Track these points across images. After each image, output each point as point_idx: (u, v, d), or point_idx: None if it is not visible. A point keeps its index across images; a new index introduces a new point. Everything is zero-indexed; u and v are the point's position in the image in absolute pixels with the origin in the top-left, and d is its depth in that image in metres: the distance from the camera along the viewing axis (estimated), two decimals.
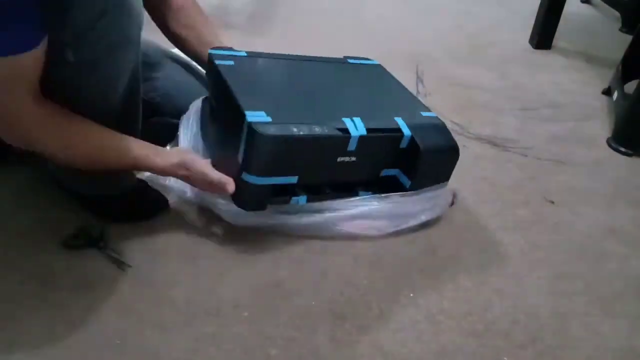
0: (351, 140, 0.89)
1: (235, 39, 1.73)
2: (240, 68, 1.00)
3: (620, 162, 1.27)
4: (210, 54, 1.02)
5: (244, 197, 0.91)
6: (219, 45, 1.06)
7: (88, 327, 0.82)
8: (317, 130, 0.87)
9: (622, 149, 1.30)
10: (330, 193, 0.97)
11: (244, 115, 0.85)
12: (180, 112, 1.10)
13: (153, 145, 0.90)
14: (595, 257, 1.01)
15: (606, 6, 2.08)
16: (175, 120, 1.11)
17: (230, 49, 1.06)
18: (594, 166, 1.25)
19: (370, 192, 0.99)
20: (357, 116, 0.91)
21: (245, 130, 0.84)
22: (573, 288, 0.94)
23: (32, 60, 0.71)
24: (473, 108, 1.44)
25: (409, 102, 1.06)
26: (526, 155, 1.26)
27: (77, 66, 0.78)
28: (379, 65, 1.17)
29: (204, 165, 0.91)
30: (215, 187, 0.90)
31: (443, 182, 1.01)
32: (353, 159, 0.92)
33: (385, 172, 0.98)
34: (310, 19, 1.88)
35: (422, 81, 1.52)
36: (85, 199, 1.01)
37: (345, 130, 0.89)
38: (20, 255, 0.93)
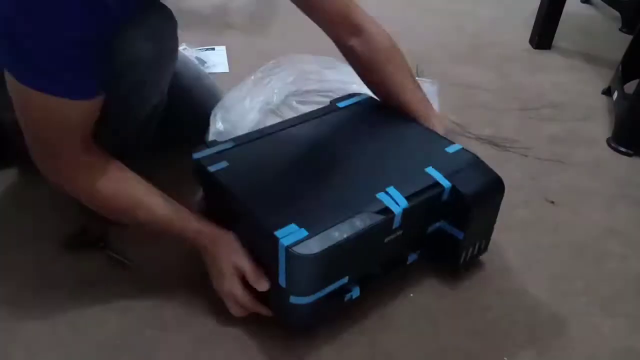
0: (395, 219, 0.78)
1: (235, 39, 1.74)
2: (238, 168, 0.85)
3: (620, 162, 1.27)
4: (196, 159, 0.86)
5: (297, 320, 0.81)
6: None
7: (88, 327, 0.82)
8: (359, 224, 0.75)
9: (622, 149, 1.30)
10: (381, 272, 0.87)
11: (274, 237, 0.72)
12: (182, 121, 1.09)
13: (186, 210, 0.83)
14: (595, 257, 1.00)
15: (606, 6, 2.07)
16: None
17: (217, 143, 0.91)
18: (594, 166, 1.25)
19: (417, 253, 0.90)
20: (389, 185, 0.80)
21: (283, 254, 0.72)
22: (573, 288, 0.94)
23: (87, 108, 0.73)
24: (473, 108, 1.44)
25: (427, 140, 0.93)
26: (526, 155, 1.26)
27: (106, 101, 0.78)
28: (370, 98, 1.05)
29: (241, 250, 0.80)
30: (252, 276, 0.78)
31: (492, 219, 0.92)
32: (399, 233, 0.81)
33: (430, 228, 0.88)
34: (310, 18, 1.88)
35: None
36: None
37: (386, 210, 0.78)
38: (20, 255, 0.93)
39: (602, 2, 2.08)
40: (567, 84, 1.59)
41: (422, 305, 0.89)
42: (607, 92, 1.52)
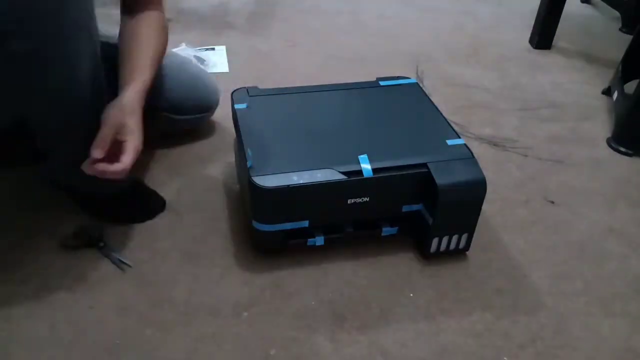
0: (358, 184, 0.87)
1: (235, 39, 1.74)
2: (255, 110, 1.00)
3: (620, 162, 1.27)
4: (232, 95, 1.04)
5: (258, 242, 0.96)
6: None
7: (88, 327, 0.83)
8: (319, 176, 0.85)
9: (622, 149, 1.30)
10: (350, 232, 0.95)
11: (247, 167, 0.86)
12: (174, 107, 1.14)
13: None
14: (595, 257, 1.01)
15: (606, 6, 2.07)
16: (170, 115, 1.14)
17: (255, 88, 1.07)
18: (594, 166, 1.25)
19: (396, 228, 0.97)
20: (369, 154, 0.89)
21: (247, 182, 0.86)
22: (573, 288, 0.94)
23: None
24: (473, 108, 1.44)
25: (436, 129, 0.99)
26: (526, 155, 1.26)
27: (27, 57, 0.73)
28: (414, 85, 1.11)
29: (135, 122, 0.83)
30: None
31: (471, 217, 0.93)
32: (366, 199, 0.89)
33: (406, 208, 0.93)
34: (309, 19, 1.88)
35: (422, 81, 1.52)
36: (84, 199, 1.01)
37: (352, 173, 0.86)
38: (20, 255, 0.94)
39: (602, 2, 2.09)
40: (567, 84, 1.59)
41: (422, 305, 0.89)
42: (607, 92, 1.52)
